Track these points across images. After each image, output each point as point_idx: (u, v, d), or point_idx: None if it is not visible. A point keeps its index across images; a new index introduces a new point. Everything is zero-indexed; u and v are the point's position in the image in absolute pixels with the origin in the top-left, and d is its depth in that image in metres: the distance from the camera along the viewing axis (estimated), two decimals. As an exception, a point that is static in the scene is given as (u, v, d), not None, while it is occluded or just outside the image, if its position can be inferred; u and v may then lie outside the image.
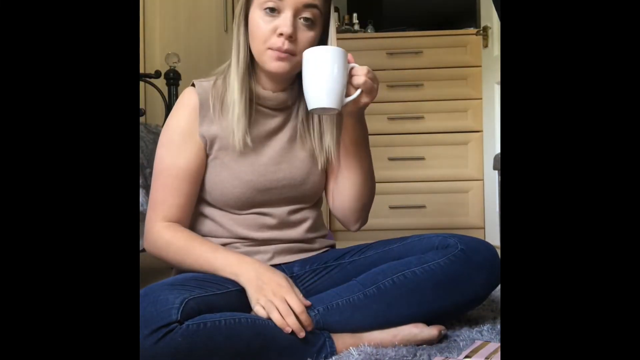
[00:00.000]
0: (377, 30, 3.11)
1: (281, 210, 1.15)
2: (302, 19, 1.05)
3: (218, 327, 0.91)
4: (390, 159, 2.87)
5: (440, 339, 1.08)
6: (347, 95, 1.00)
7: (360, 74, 0.99)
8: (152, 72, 2.33)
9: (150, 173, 1.59)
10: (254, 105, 1.12)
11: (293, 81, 1.14)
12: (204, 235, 1.14)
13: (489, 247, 1.11)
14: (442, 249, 1.09)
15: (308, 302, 1.02)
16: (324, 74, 0.97)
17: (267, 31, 1.04)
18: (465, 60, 2.88)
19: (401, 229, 2.71)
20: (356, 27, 3.12)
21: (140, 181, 1.57)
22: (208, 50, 2.94)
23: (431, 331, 1.05)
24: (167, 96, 2.37)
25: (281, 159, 1.14)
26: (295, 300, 0.99)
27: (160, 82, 2.36)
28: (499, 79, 2.52)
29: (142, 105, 2.73)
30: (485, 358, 0.93)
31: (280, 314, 0.97)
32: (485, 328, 1.13)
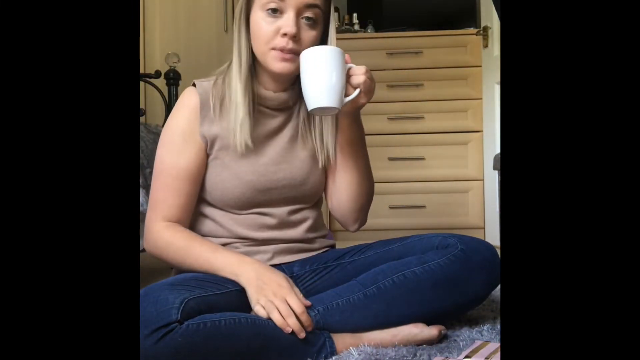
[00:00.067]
0: (377, 30, 3.11)
1: (281, 210, 1.15)
2: (304, 19, 1.05)
3: (218, 327, 0.91)
4: (390, 159, 2.87)
5: (440, 339, 1.08)
6: (346, 95, 1.00)
7: (359, 73, 1.00)
8: (152, 72, 2.33)
9: (150, 173, 1.59)
10: (255, 107, 1.12)
11: (294, 81, 1.14)
12: (204, 235, 1.14)
13: (489, 247, 1.11)
14: (442, 248, 1.09)
15: (308, 302, 1.02)
16: (323, 73, 0.97)
17: (270, 32, 1.04)
18: (465, 60, 2.87)
19: (401, 229, 2.71)
20: (356, 27, 3.12)
21: (140, 181, 1.57)
22: (208, 50, 2.94)
23: (431, 331, 1.05)
24: (167, 96, 2.37)
25: (281, 159, 1.14)
26: (296, 301, 0.99)
27: (160, 82, 2.36)
28: (499, 79, 2.52)
29: (142, 105, 2.73)
30: (485, 358, 0.93)
31: (281, 314, 0.97)
32: (485, 328, 1.13)
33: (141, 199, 1.54)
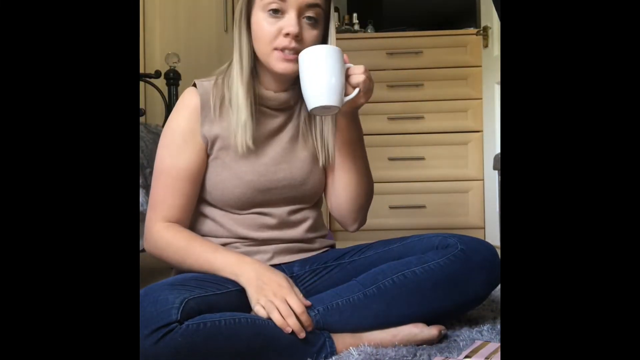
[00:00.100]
0: (377, 30, 3.11)
1: (281, 210, 1.15)
2: (305, 18, 1.05)
3: (218, 327, 0.91)
4: (390, 159, 2.87)
5: (440, 339, 1.08)
6: (345, 95, 1.00)
7: (358, 73, 1.00)
8: (152, 72, 2.33)
9: (150, 173, 1.59)
10: (257, 107, 1.12)
11: (295, 81, 1.14)
12: (204, 235, 1.14)
13: (489, 247, 1.11)
14: (442, 248, 1.09)
15: (308, 302, 1.02)
16: (322, 72, 0.97)
17: (273, 32, 1.04)
18: (465, 60, 2.87)
19: (401, 229, 2.71)
20: (356, 27, 3.12)
21: (140, 181, 1.57)
22: (208, 50, 2.94)
23: (431, 331, 1.05)
24: (167, 96, 2.37)
25: (282, 159, 1.14)
26: (296, 301, 0.99)
27: (160, 82, 2.36)
28: (499, 79, 2.52)
29: (142, 105, 2.73)
30: (485, 358, 0.93)
31: (281, 314, 0.97)
32: (485, 328, 1.13)
33: (141, 199, 1.54)
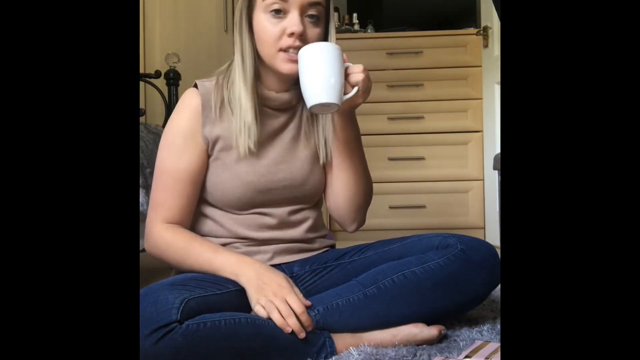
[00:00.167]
0: (377, 30, 3.11)
1: (281, 211, 1.15)
2: (307, 17, 1.05)
3: (218, 327, 0.91)
4: (390, 159, 2.87)
5: (440, 339, 1.08)
6: (344, 94, 1.00)
7: (358, 72, 1.00)
8: (152, 72, 2.33)
9: (150, 173, 1.59)
10: (259, 108, 1.11)
11: (296, 81, 1.14)
12: (204, 235, 1.14)
13: (489, 247, 1.11)
14: (442, 248, 1.09)
15: (308, 302, 1.02)
16: (322, 69, 0.97)
17: (276, 33, 1.04)
18: (465, 60, 2.87)
19: (401, 229, 2.71)
20: (356, 27, 3.12)
21: (140, 181, 1.57)
22: (208, 50, 2.94)
23: (431, 331, 1.05)
24: (167, 96, 2.37)
25: (282, 160, 1.14)
26: (296, 301, 0.99)
27: (160, 82, 2.36)
28: (499, 79, 2.52)
29: (142, 105, 2.73)
30: (485, 358, 0.93)
31: (281, 314, 0.97)
32: (485, 328, 1.13)
33: (141, 199, 1.54)
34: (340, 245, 1.26)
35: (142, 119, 2.57)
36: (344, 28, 3.08)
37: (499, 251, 0.92)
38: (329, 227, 2.59)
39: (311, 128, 1.16)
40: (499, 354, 0.93)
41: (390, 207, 2.86)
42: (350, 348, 1.01)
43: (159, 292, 0.91)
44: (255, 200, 1.12)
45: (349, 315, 1.03)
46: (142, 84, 2.56)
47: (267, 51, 1.06)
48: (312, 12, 1.05)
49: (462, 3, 3.14)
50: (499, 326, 1.15)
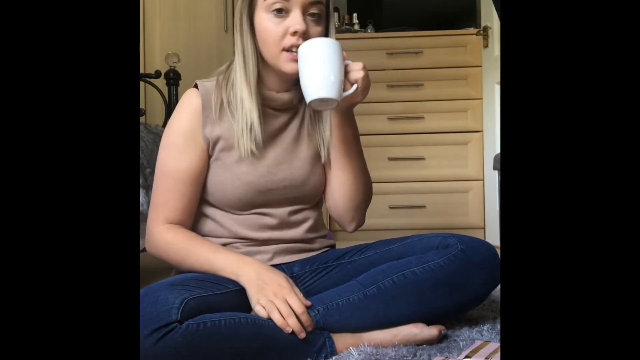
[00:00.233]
0: (377, 30, 3.11)
1: (282, 211, 1.15)
2: (309, 16, 1.05)
3: (218, 327, 0.91)
4: (390, 159, 2.87)
5: (440, 339, 1.08)
6: (343, 90, 1.00)
7: (357, 69, 1.00)
8: (152, 72, 2.33)
9: (150, 173, 1.59)
10: (262, 109, 1.11)
11: (297, 81, 1.14)
12: (204, 235, 1.14)
13: (489, 247, 1.11)
14: (442, 248, 1.09)
15: (308, 302, 1.02)
16: (322, 64, 0.96)
17: (279, 33, 1.04)
18: (465, 60, 2.87)
19: (401, 229, 2.71)
20: (356, 27, 3.12)
21: (140, 181, 1.57)
22: (208, 50, 2.94)
23: (431, 331, 1.05)
24: (167, 96, 2.37)
25: (282, 160, 1.14)
26: (296, 301, 0.99)
27: (160, 82, 2.36)
28: (499, 79, 2.52)
29: (142, 105, 2.73)
30: (485, 358, 0.93)
31: (281, 315, 0.97)
32: (485, 328, 1.13)
33: (141, 199, 1.54)
34: (340, 245, 1.26)
35: (142, 119, 2.57)
36: (344, 28, 3.08)
37: (499, 251, 0.92)
38: (329, 227, 2.59)
39: (313, 128, 1.16)
40: (499, 354, 0.93)
41: (390, 207, 2.86)
42: (350, 348, 1.01)
43: (159, 292, 0.91)
44: (255, 201, 1.12)
45: (349, 315, 1.03)
46: (142, 84, 2.56)
47: (270, 51, 1.06)
48: (313, 10, 1.05)
49: (462, 3, 3.14)
50: (499, 326, 1.15)
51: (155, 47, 2.95)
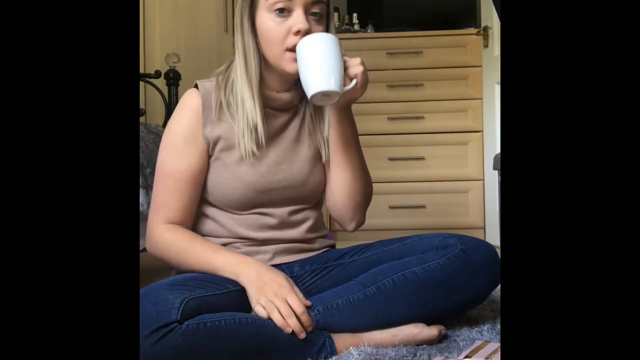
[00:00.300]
0: (377, 30, 3.11)
1: (282, 211, 1.15)
2: (311, 15, 1.05)
3: (218, 327, 0.91)
4: (390, 159, 2.87)
5: (440, 339, 1.08)
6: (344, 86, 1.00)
7: (356, 64, 1.00)
8: (152, 72, 2.33)
9: (151, 173, 1.59)
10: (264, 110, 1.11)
11: (297, 81, 1.13)
12: (204, 235, 1.14)
13: (489, 247, 1.11)
14: (442, 248, 1.09)
15: (308, 302, 1.02)
16: (323, 58, 0.96)
17: (282, 32, 1.04)
18: (465, 60, 2.87)
19: (401, 229, 2.70)
20: (356, 27, 3.11)
21: (140, 181, 1.57)
22: (208, 50, 2.94)
23: (431, 331, 1.05)
24: (167, 96, 2.37)
25: (282, 160, 1.14)
26: (296, 301, 0.99)
27: (160, 82, 2.36)
28: (499, 79, 2.52)
29: (142, 105, 2.73)
30: (485, 358, 0.93)
31: (281, 315, 0.97)
32: (485, 328, 1.13)
33: (141, 199, 1.54)
34: (340, 245, 1.26)
35: (142, 119, 2.57)
36: (344, 28, 3.08)
37: (499, 251, 0.92)
38: (329, 227, 2.59)
39: (314, 127, 1.16)
40: (499, 354, 0.93)
41: (390, 207, 2.86)
42: (350, 348, 1.01)
43: (159, 292, 0.91)
44: (255, 201, 1.12)
45: (349, 315, 1.03)
46: (142, 84, 2.56)
47: (272, 51, 1.06)
48: (315, 9, 1.05)
49: (462, 3, 3.14)
50: (499, 326, 1.15)
51: (155, 47, 2.95)
